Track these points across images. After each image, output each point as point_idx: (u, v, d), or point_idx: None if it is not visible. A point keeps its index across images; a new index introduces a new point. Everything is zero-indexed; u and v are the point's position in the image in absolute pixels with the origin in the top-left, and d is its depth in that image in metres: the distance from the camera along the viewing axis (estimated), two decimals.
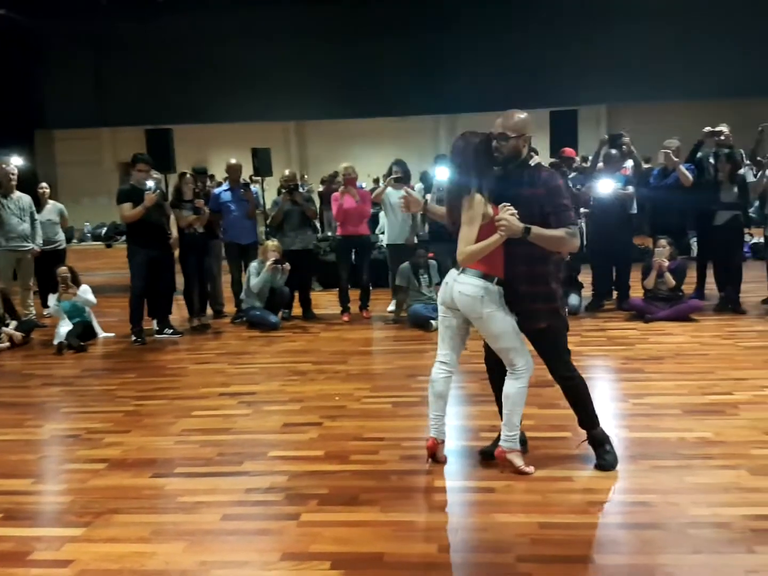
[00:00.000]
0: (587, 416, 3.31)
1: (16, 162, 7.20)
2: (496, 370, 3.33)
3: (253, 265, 6.78)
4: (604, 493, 3.03)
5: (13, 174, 7.02)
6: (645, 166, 7.08)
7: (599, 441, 3.29)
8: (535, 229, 2.98)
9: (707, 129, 6.68)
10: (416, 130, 19.13)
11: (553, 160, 7.93)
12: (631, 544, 2.60)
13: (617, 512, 2.86)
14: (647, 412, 3.96)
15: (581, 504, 2.91)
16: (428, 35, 10.20)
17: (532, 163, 3.16)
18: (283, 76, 10.36)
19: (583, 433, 3.35)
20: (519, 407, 3.21)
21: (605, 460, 3.24)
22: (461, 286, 3.11)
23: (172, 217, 6.47)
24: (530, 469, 3.20)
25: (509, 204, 2.98)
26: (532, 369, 3.24)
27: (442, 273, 6.97)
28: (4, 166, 6.90)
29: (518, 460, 3.21)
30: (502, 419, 3.26)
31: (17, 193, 7.11)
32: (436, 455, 3.37)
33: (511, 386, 3.19)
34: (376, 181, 16.06)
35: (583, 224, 7.63)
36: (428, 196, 7.21)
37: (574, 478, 3.16)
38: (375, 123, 16.84)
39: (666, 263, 6.22)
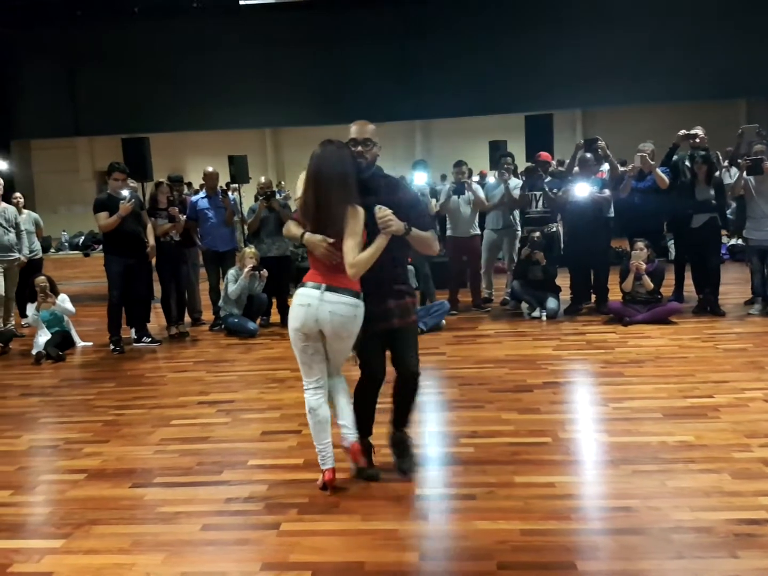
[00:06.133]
0: (410, 415, 3.38)
1: (1, 167, 7.07)
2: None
3: (231, 272, 6.74)
4: (585, 499, 3.04)
5: None
6: (621, 169, 7.15)
7: (411, 444, 3.39)
8: (413, 229, 3.06)
9: (682, 132, 6.76)
10: (392, 136, 19.15)
11: (528, 164, 8.00)
12: (613, 550, 2.60)
13: (599, 518, 2.86)
14: (627, 416, 3.97)
15: (562, 510, 2.91)
16: (403, 40, 10.26)
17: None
18: (259, 83, 10.36)
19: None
20: None
21: (412, 464, 3.33)
22: (333, 306, 2.95)
23: (150, 226, 6.41)
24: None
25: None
26: None
27: (420, 278, 7.04)
28: None
29: None
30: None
31: (2, 204, 7.02)
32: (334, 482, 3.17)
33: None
34: None
35: (560, 228, 7.70)
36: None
37: (556, 483, 3.16)
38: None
39: (643, 266, 6.27)
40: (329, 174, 2.96)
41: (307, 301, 2.99)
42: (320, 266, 3.04)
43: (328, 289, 2.97)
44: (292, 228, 3.14)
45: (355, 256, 2.92)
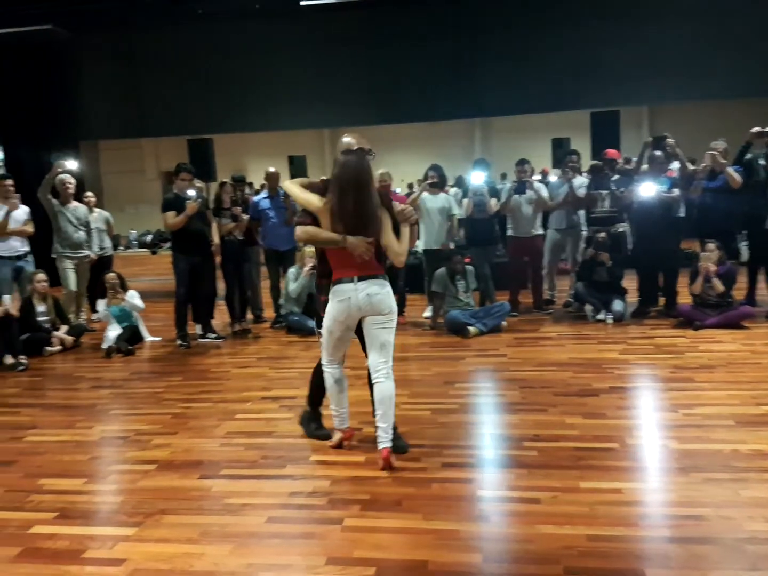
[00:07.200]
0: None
1: (71, 166, 7.34)
2: None
3: (291, 270, 6.84)
4: (653, 506, 2.96)
5: (69, 183, 7.19)
6: (690, 167, 6.90)
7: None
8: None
9: (755, 129, 6.49)
10: (450, 135, 19.06)
11: (594, 162, 7.82)
12: (684, 559, 2.52)
13: (668, 525, 2.78)
14: (698, 423, 3.85)
15: (630, 516, 2.84)
16: (462, 37, 10.13)
17: None
18: (317, 84, 10.42)
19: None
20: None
21: (403, 441, 3.62)
22: (368, 289, 3.37)
23: (214, 225, 6.57)
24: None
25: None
26: None
27: (479, 278, 6.98)
28: (59, 173, 7.06)
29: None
30: (380, 421, 3.42)
31: (74, 203, 7.30)
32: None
33: (390, 387, 3.42)
34: (411, 186, 16.06)
35: (627, 228, 7.49)
36: (465, 201, 7.18)
37: (623, 490, 3.09)
38: (408, 128, 16.82)
39: (713, 268, 6.06)
40: (366, 181, 3.35)
41: (347, 295, 3.38)
42: (348, 263, 3.38)
43: (359, 279, 3.37)
44: (323, 234, 3.41)
45: (400, 246, 3.41)
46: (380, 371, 3.41)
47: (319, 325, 3.62)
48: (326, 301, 3.50)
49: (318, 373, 3.83)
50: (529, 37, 9.87)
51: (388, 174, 6.91)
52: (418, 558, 2.60)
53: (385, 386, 3.40)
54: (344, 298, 3.37)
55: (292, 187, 3.60)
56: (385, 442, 3.39)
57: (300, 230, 3.47)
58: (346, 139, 3.51)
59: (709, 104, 14.08)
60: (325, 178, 4.02)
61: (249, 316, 7.32)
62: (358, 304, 3.36)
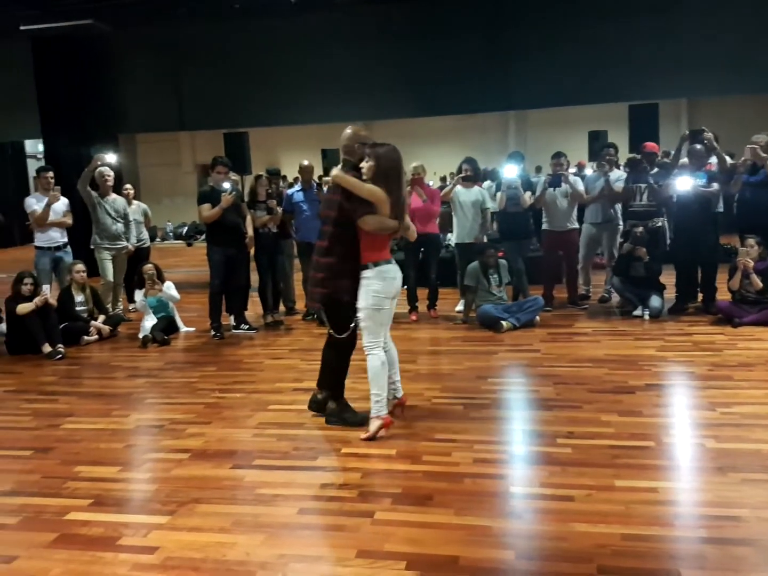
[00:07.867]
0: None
1: (111, 159, 7.46)
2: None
3: None
4: (690, 506, 2.91)
5: (108, 176, 7.30)
6: (729, 162, 6.71)
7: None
8: None
9: None
10: (484, 128, 18.90)
11: (631, 155, 7.65)
12: (720, 560, 2.47)
13: (704, 526, 2.72)
14: (736, 422, 3.76)
15: (666, 516, 2.79)
16: (497, 29, 10.01)
17: None
18: (351, 78, 10.42)
19: None
20: None
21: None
22: (399, 273, 3.83)
23: (249, 217, 6.62)
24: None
25: None
26: None
27: (513, 272, 6.91)
28: (99, 165, 7.17)
29: None
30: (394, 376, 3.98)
31: (113, 195, 7.41)
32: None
33: (395, 348, 3.99)
34: (443, 179, 15.96)
35: (666, 222, 7.34)
36: (498, 195, 7.11)
37: (659, 489, 3.03)
38: (442, 121, 16.70)
39: (751, 263, 5.91)
40: (401, 173, 3.75)
41: (396, 274, 3.78)
42: (384, 247, 3.76)
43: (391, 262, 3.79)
44: (390, 222, 3.69)
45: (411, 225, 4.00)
46: (388, 340, 3.91)
47: (331, 316, 3.92)
48: (348, 286, 3.70)
49: (329, 372, 4.08)
50: (564, 29, 9.71)
51: (421, 167, 6.88)
52: (450, 553, 2.59)
53: (393, 349, 3.97)
54: (397, 277, 3.77)
55: (350, 178, 3.66)
56: (400, 391, 4.04)
57: (371, 219, 3.64)
58: (354, 132, 3.82)
59: (749, 98, 13.70)
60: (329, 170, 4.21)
61: (281, 308, 7.37)
62: (397, 285, 3.78)
